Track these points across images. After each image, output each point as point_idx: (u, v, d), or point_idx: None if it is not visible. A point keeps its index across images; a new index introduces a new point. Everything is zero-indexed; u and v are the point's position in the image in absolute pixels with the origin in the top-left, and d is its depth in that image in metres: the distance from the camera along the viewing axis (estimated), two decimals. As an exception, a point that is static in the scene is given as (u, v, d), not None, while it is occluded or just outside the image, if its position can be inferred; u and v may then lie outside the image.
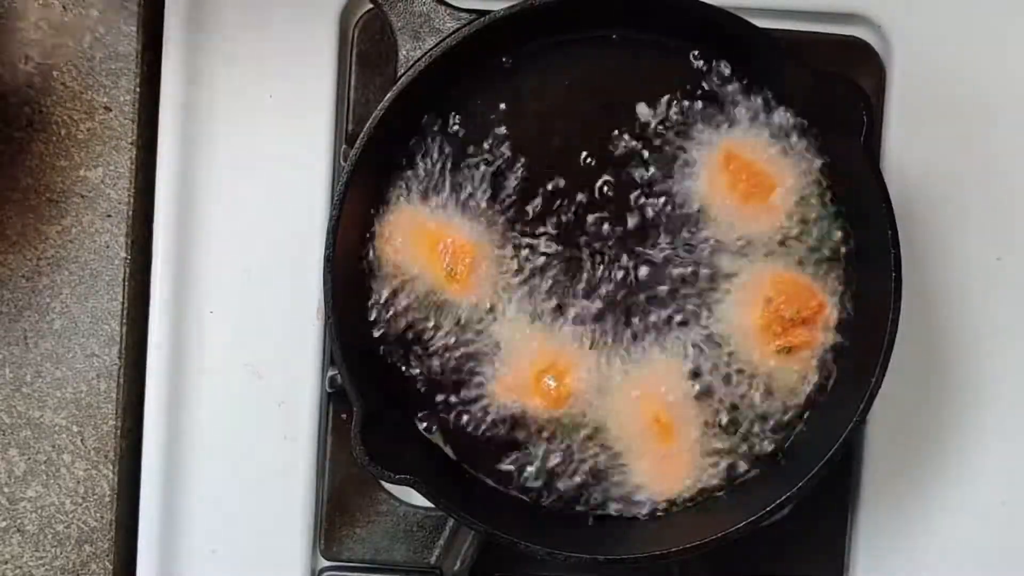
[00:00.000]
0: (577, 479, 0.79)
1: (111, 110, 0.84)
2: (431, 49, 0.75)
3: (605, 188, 0.78)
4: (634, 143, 0.78)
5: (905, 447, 0.85)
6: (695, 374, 0.78)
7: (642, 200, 0.78)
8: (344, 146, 0.84)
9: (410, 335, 0.79)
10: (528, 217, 0.78)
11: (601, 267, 0.78)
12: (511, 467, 0.79)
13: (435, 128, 0.78)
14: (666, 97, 0.78)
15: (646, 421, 0.78)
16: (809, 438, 0.78)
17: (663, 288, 0.78)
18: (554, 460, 0.79)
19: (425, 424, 0.79)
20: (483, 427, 0.79)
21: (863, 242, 0.77)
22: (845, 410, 0.76)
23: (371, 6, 0.80)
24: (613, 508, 0.79)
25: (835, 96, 0.74)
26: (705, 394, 0.78)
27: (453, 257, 0.78)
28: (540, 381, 0.78)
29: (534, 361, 0.78)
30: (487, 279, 0.78)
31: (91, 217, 0.84)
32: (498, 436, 0.79)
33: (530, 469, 0.79)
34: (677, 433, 0.78)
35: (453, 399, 0.79)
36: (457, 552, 0.82)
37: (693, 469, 0.79)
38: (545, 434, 0.79)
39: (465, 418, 0.79)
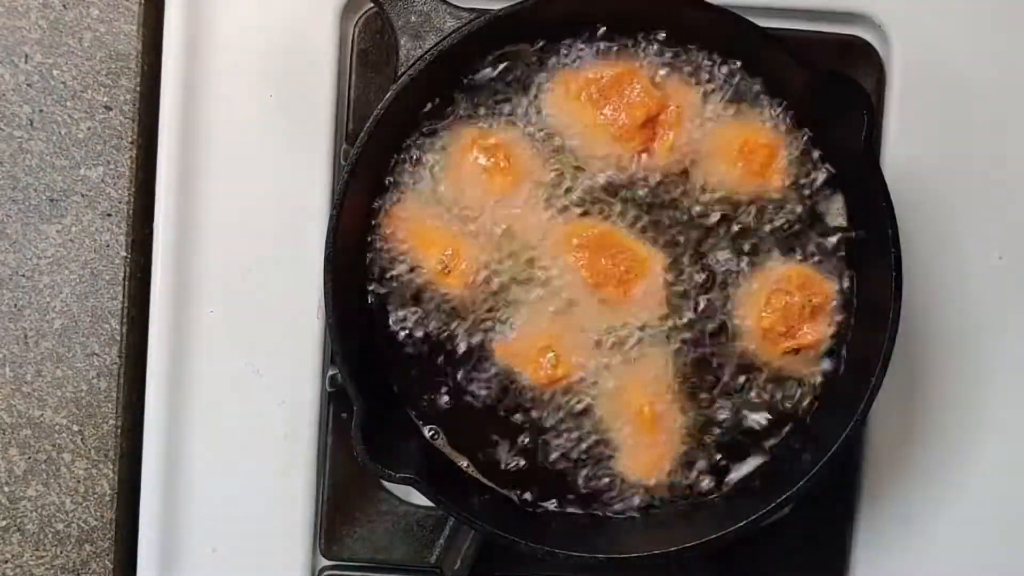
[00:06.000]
0: (568, 458, 0.79)
1: (111, 109, 0.84)
2: (431, 48, 0.75)
3: (604, 180, 0.79)
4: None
5: (905, 447, 0.85)
6: (697, 369, 0.78)
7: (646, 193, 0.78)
8: (344, 145, 0.84)
9: (410, 332, 0.79)
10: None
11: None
12: (505, 441, 0.79)
13: (436, 127, 0.79)
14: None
15: (638, 410, 0.78)
16: (810, 437, 0.78)
17: (675, 286, 0.79)
18: (546, 437, 0.79)
19: (417, 414, 0.79)
20: (480, 409, 0.79)
21: (864, 241, 0.78)
22: (846, 409, 0.76)
23: (371, 5, 0.80)
24: (602, 498, 0.79)
25: (836, 95, 0.74)
26: (705, 392, 0.79)
27: (453, 256, 0.78)
28: (540, 359, 0.78)
29: (535, 341, 0.78)
30: (487, 276, 0.78)
31: (91, 216, 0.84)
32: (494, 416, 0.79)
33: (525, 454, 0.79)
34: (671, 427, 0.78)
35: (453, 377, 0.79)
36: (457, 551, 0.82)
37: (681, 463, 0.79)
38: (539, 414, 0.79)
39: (463, 399, 0.79)
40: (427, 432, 0.80)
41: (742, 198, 0.78)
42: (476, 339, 0.79)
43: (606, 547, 0.77)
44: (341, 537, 0.85)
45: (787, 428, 0.79)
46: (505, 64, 0.78)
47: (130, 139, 0.85)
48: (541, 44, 0.78)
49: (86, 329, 0.84)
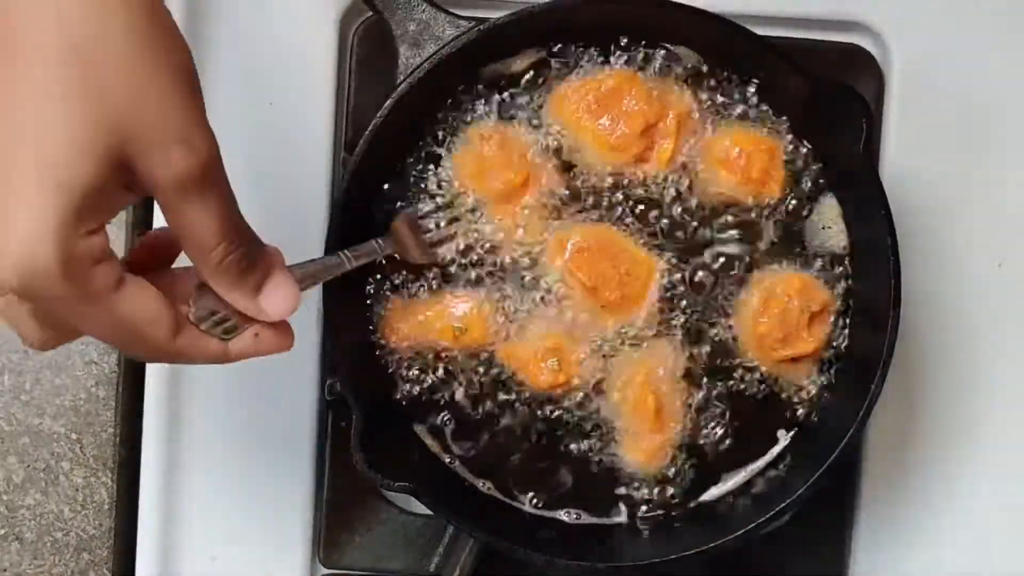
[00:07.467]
0: (568, 466, 0.79)
1: (110, 117, 0.84)
2: (431, 56, 0.75)
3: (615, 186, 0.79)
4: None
5: (905, 453, 0.85)
6: (694, 374, 0.79)
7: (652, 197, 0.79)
8: (344, 153, 0.84)
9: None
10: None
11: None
12: (504, 448, 0.79)
13: (435, 135, 0.79)
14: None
15: (638, 415, 0.78)
16: (809, 444, 0.78)
17: (674, 290, 0.79)
18: (546, 444, 0.79)
19: (416, 422, 0.79)
20: (480, 416, 0.79)
21: (863, 248, 0.78)
22: (845, 416, 0.76)
23: (371, 13, 0.80)
24: (601, 506, 0.79)
25: (835, 103, 0.74)
26: (702, 398, 0.79)
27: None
28: (542, 363, 0.78)
29: (537, 345, 0.78)
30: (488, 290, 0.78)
31: (90, 224, 0.84)
32: (494, 423, 0.79)
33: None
34: (670, 433, 0.78)
35: (453, 384, 0.79)
36: (457, 560, 0.82)
37: (680, 469, 0.79)
38: (539, 420, 0.79)
39: (464, 405, 0.79)
40: (426, 440, 0.80)
41: (740, 205, 0.78)
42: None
43: (605, 556, 0.77)
44: (340, 546, 0.85)
45: (786, 435, 0.79)
46: (504, 72, 0.78)
47: (129, 147, 0.84)
48: (541, 52, 0.78)
49: (85, 337, 0.84)
